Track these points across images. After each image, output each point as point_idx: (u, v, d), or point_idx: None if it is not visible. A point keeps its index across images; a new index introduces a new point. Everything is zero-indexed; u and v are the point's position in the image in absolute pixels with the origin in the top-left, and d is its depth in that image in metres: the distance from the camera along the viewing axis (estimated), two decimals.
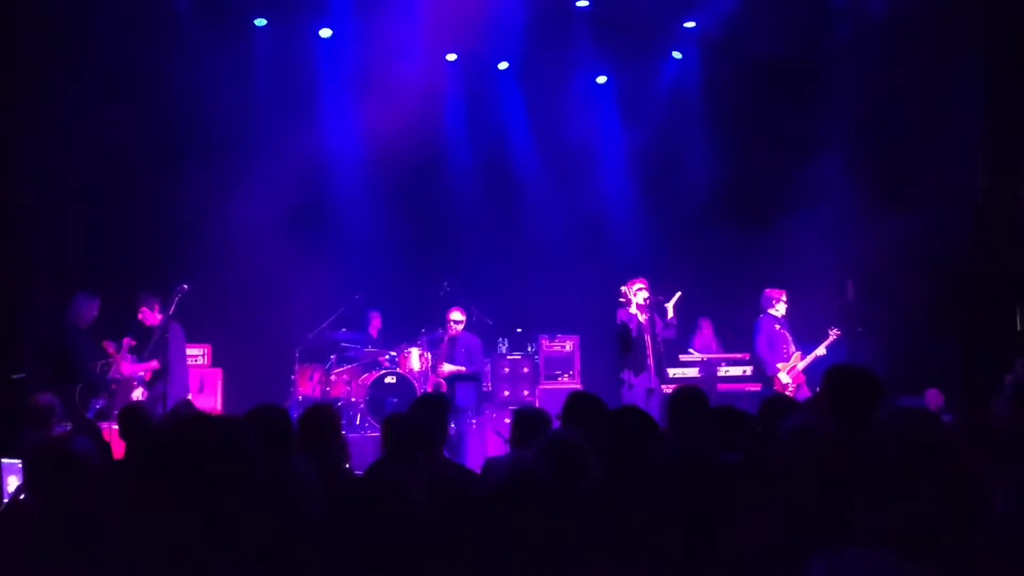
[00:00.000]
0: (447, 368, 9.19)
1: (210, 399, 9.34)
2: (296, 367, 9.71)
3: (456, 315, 9.27)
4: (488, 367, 10.03)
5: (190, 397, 7.91)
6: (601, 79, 11.64)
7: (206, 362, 9.58)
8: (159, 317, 7.86)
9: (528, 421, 4.26)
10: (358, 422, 9.45)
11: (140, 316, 7.92)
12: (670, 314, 8.45)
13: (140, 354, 7.93)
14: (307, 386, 9.70)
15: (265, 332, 9.74)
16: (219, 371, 9.61)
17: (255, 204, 9.60)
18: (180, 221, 9.56)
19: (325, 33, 10.36)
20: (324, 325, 9.83)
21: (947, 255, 10.40)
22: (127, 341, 7.92)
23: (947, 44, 10.00)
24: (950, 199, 10.20)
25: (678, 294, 8.54)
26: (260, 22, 10.13)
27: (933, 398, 8.93)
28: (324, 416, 4.16)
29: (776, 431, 3.21)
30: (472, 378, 9.19)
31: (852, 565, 1.66)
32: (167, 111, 9.50)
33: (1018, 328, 11.47)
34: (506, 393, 10.21)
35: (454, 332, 9.24)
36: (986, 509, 2.48)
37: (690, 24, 10.99)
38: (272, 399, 8.97)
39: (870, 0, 9.95)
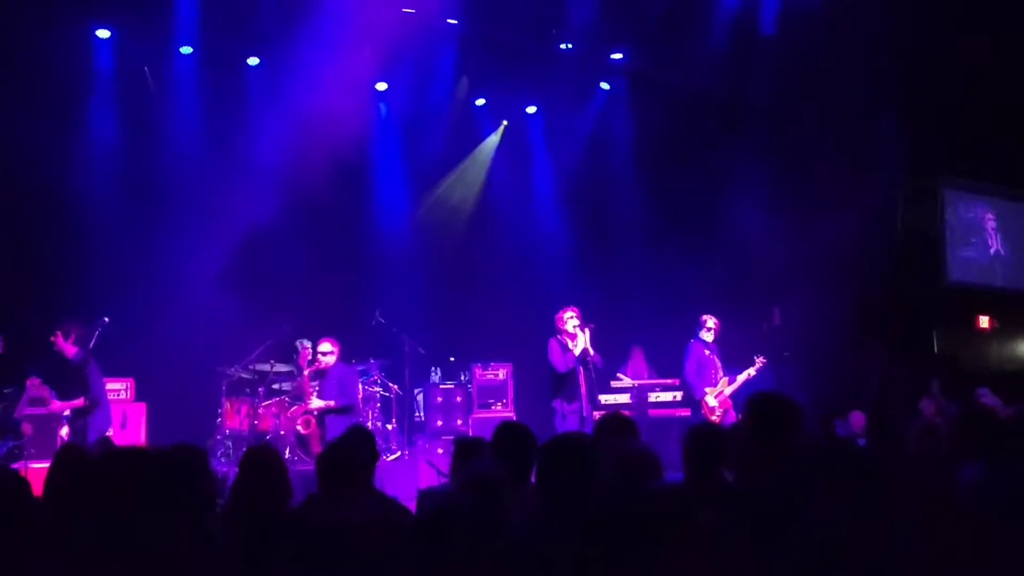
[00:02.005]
0: (316, 403, 8.69)
1: (134, 435, 9.05)
2: (223, 400, 9.47)
3: (325, 347, 8.70)
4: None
5: (110, 433, 7.66)
6: (531, 109, 11.78)
7: (129, 397, 9.28)
8: (74, 349, 7.62)
9: (463, 449, 4.25)
10: (287, 455, 9.25)
11: (53, 338, 7.64)
12: (590, 351, 8.32)
13: (59, 387, 7.69)
14: (235, 420, 9.46)
15: (190, 365, 9.49)
16: (143, 406, 9.32)
17: (179, 235, 9.43)
18: (101, 253, 9.31)
19: (253, 61, 10.27)
20: (252, 357, 9.62)
21: (868, 281, 10.74)
22: (32, 383, 7.69)
23: (864, 78, 10.38)
24: (870, 227, 10.54)
25: (589, 329, 8.36)
26: (186, 50, 9.97)
27: (857, 421, 9.17)
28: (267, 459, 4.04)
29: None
30: (344, 411, 8.62)
31: None
32: (88, 137, 9.30)
33: (935, 350, 11.89)
34: (439, 423, 10.13)
35: (323, 365, 8.73)
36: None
37: (617, 56, 11.19)
38: (199, 433, 8.89)
39: (790, 32, 10.29)
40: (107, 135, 9.28)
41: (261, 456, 4.12)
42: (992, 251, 13.18)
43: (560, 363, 8.27)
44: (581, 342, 8.24)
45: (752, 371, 9.06)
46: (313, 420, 8.71)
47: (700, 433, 3.67)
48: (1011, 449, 3.65)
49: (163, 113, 9.84)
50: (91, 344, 7.73)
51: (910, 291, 11.42)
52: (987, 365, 12.18)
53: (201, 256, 9.44)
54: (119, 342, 8.17)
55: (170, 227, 9.45)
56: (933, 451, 3.96)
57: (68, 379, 7.67)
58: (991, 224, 13.18)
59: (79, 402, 7.61)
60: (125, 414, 9.05)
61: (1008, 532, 2.66)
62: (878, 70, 10.40)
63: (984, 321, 12.66)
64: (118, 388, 9.07)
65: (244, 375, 9.55)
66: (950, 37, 9.99)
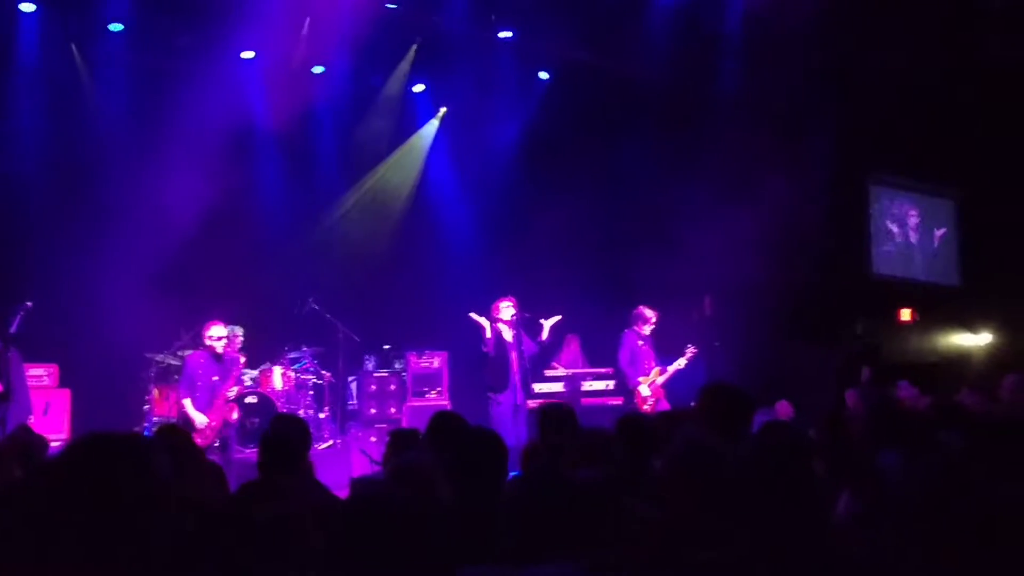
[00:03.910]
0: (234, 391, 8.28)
1: (57, 423, 8.81)
2: (151, 387, 9.28)
3: (217, 331, 7.98)
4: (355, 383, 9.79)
5: (32, 420, 7.45)
6: (469, 96, 11.71)
7: (52, 383, 9.03)
8: None
9: (397, 440, 4.28)
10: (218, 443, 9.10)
11: None
12: (545, 334, 8.58)
13: None
14: (163, 407, 9.28)
15: (117, 350, 9.27)
16: (67, 392, 9.07)
17: (106, 219, 9.19)
18: (24, 235, 9.03)
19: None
20: (181, 342, 9.44)
21: (795, 273, 11.01)
22: None
23: (794, 74, 10.61)
24: (797, 220, 10.78)
25: (557, 317, 8.67)
26: (115, 27, 9.66)
27: (783, 409, 9.40)
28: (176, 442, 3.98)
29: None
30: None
31: None
32: (12, 117, 9.00)
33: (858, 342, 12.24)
34: (372, 411, 10.09)
35: (217, 352, 8.07)
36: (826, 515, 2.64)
37: (554, 45, 11.21)
38: (126, 421, 8.70)
39: (724, 27, 10.47)
40: (32, 115, 8.97)
41: (172, 437, 4.04)
42: (914, 246, 13.60)
43: (491, 346, 8.35)
44: (504, 327, 8.32)
45: (683, 361, 9.23)
46: (237, 408, 8.52)
47: (631, 422, 3.74)
48: (926, 440, 3.81)
49: (91, 93, 9.56)
50: (13, 329, 7.50)
51: (835, 284, 11.74)
52: (907, 357, 12.58)
53: (129, 240, 9.20)
54: (43, 326, 7.93)
55: (97, 211, 9.20)
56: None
57: None
58: (914, 220, 13.60)
59: None
60: (48, 401, 8.81)
61: (926, 517, 2.77)
62: (808, 67, 10.63)
63: (906, 314, 13.07)
64: (40, 374, 8.82)
65: (173, 361, 9.36)
66: (877, 36, 10.28)
